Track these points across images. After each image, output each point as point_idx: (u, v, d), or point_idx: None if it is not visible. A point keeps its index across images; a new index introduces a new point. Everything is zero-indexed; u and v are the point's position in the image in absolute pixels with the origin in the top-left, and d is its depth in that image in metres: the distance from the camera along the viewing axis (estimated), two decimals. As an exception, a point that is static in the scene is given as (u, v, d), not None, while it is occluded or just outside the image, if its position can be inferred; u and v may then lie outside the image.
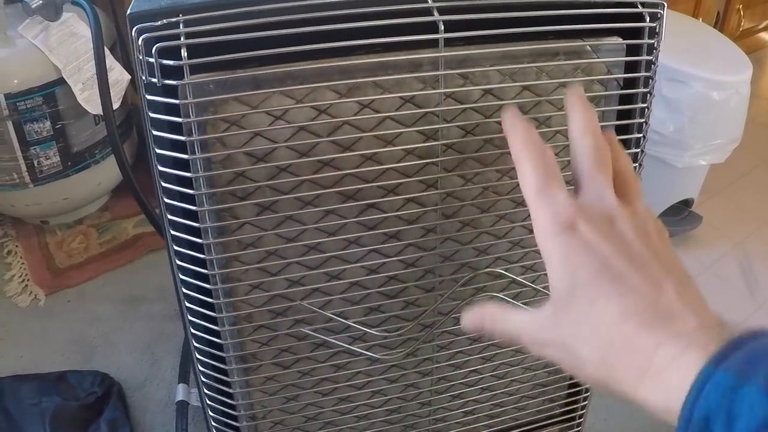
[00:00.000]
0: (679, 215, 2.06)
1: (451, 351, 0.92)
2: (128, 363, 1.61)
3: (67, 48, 1.69)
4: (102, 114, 1.56)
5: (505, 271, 0.86)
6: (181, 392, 1.34)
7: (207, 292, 0.79)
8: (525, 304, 0.89)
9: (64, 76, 1.66)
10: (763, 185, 2.35)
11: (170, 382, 1.52)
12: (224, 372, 0.85)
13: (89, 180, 1.87)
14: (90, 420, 1.44)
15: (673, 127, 1.83)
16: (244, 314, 0.82)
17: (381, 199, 0.77)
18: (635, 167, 0.83)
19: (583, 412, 1.08)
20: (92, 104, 1.71)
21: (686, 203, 2.07)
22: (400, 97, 0.74)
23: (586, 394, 1.06)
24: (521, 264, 0.88)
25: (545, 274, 0.88)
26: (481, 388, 0.98)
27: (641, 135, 0.81)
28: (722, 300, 1.86)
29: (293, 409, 0.92)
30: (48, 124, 1.70)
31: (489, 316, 0.56)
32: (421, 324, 0.86)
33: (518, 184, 0.56)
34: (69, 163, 1.79)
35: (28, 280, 1.83)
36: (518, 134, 0.56)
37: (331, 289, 0.82)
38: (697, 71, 1.78)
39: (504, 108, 0.59)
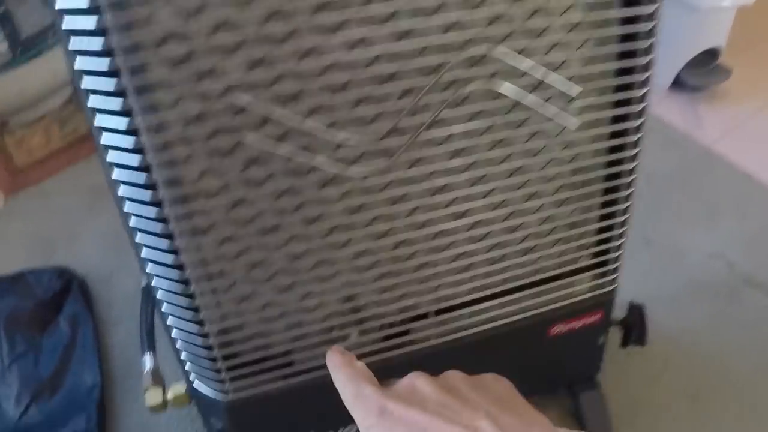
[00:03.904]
0: (706, 67, 1.86)
1: (429, 178, 0.73)
2: (93, 256, 1.46)
3: None
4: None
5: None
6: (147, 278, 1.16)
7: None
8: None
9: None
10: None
11: (139, 273, 1.34)
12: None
13: (44, 69, 1.68)
14: (48, 319, 1.28)
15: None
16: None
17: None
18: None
19: (617, 255, 0.89)
20: (36, -19, 1.53)
21: (713, 54, 1.87)
22: None
23: (620, 241, 0.87)
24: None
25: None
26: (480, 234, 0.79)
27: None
28: (758, 160, 1.66)
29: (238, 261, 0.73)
30: (-10, 9, 1.51)
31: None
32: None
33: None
34: (19, 51, 1.61)
35: (-15, 184, 1.67)
36: (335, 363, 0.60)
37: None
38: None
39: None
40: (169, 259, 0.69)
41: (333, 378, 0.60)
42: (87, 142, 1.73)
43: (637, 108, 0.75)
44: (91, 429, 1.13)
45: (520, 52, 0.68)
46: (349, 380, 0.57)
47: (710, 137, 1.74)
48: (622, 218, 0.85)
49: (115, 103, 0.59)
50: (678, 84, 1.86)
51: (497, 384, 0.55)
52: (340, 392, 0.57)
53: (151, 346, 0.99)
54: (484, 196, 0.76)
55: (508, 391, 0.54)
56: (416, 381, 0.54)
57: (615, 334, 1.02)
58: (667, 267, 1.35)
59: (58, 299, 1.31)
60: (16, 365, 1.21)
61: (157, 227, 0.67)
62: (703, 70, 1.86)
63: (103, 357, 1.25)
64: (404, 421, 0.50)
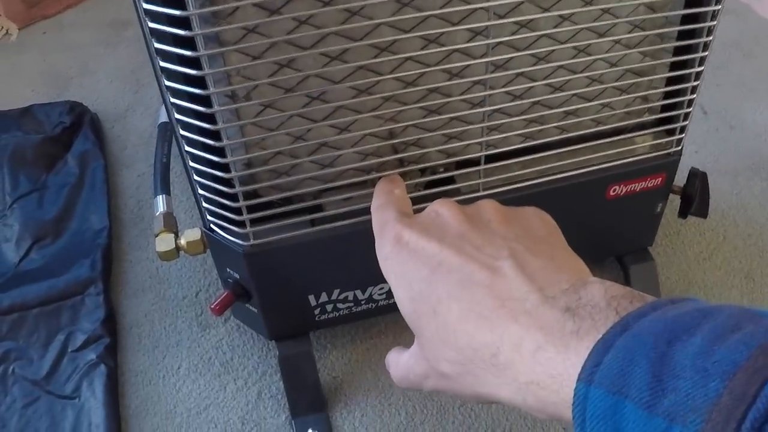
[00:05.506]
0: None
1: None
2: (109, 92, 1.38)
3: None
4: None
5: None
6: (164, 113, 1.06)
7: None
8: None
9: None
10: None
11: (157, 111, 1.26)
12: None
13: None
14: (57, 155, 1.19)
15: None
16: None
17: None
18: None
19: (686, 113, 0.82)
20: None
21: None
22: None
23: (691, 96, 0.79)
24: None
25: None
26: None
27: None
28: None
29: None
30: None
31: (389, 364, 0.53)
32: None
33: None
34: None
35: (-1, 15, 1.60)
36: (376, 190, 0.60)
37: None
38: None
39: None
40: (190, 73, 0.60)
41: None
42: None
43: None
44: (95, 277, 1.04)
45: None
46: (378, 208, 0.55)
47: (771, 11, 1.62)
48: (697, 70, 0.76)
49: None
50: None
51: (536, 219, 0.49)
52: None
53: (165, 188, 0.91)
54: (555, 26, 0.68)
55: (546, 228, 0.49)
56: (441, 208, 0.49)
57: (670, 209, 0.95)
58: (725, 140, 1.25)
59: (68, 135, 1.22)
60: (19, 205, 1.14)
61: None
62: None
63: (112, 199, 1.17)
64: (418, 254, 0.46)
